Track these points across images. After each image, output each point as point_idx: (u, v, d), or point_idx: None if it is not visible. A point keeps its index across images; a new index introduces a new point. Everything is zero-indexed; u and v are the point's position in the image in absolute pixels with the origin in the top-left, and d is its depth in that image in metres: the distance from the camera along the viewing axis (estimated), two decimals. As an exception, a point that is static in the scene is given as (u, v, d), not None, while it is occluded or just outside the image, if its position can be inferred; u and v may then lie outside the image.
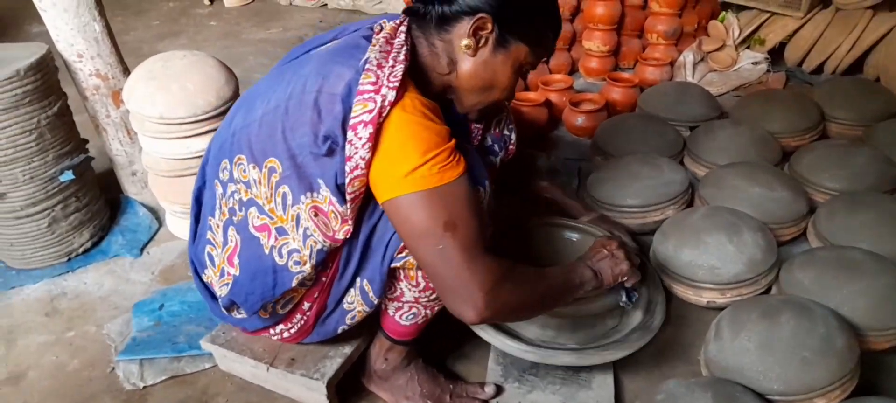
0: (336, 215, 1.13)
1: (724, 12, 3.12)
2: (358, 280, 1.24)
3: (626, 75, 2.64)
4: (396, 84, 1.06)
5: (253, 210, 1.22)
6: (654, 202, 1.83)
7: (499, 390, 1.43)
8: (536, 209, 1.78)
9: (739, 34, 2.99)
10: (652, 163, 1.91)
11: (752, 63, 2.93)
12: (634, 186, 1.85)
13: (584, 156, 2.31)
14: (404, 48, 1.13)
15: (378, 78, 1.07)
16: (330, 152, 1.09)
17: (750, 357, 1.31)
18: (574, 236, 1.59)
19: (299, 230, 1.18)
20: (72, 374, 1.55)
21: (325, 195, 1.12)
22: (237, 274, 1.26)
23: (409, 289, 1.26)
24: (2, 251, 1.91)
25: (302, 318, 1.31)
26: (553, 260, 1.57)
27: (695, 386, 1.24)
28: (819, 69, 2.86)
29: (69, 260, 1.93)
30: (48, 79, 1.79)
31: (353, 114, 1.06)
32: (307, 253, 1.19)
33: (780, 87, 2.81)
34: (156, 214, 2.11)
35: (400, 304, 1.30)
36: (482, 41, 1.17)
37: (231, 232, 1.26)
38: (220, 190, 1.27)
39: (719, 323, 1.43)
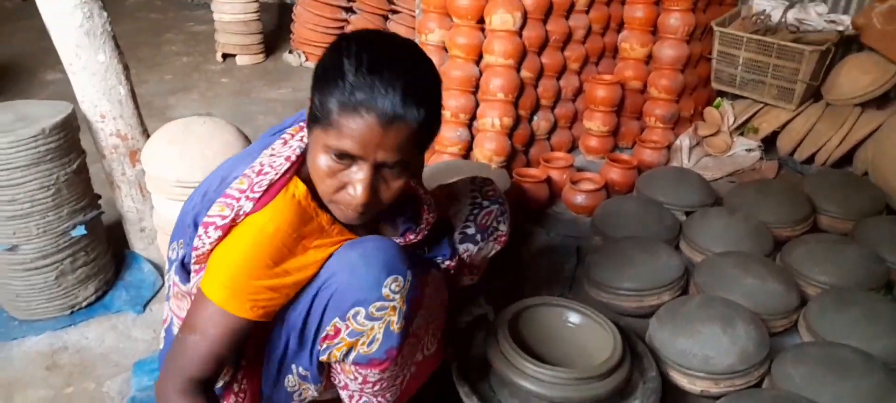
0: (183, 296, 1.20)
1: (719, 99, 3.24)
2: (293, 367, 1.24)
3: (625, 156, 2.72)
4: (258, 194, 1.09)
5: (171, 291, 1.29)
6: (650, 286, 1.88)
7: None
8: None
9: (734, 121, 3.10)
10: (649, 248, 1.96)
11: (747, 150, 3.03)
12: (631, 271, 1.90)
13: (582, 235, 2.36)
14: (290, 150, 1.14)
15: (250, 186, 1.10)
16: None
17: (743, 452, 1.34)
18: (576, 320, 1.62)
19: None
20: (70, 432, 1.56)
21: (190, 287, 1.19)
22: (162, 347, 1.35)
23: (352, 381, 1.24)
24: (6, 301, 1.93)
25: (237, 399, 1.31)
26: (555, 347, 1.60)
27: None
28: (810, 159, 2.96)
29: (72, 313, 1.95)
30: (70, 137, 1.85)
31: (209, 213, 1.11)
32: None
33: (772, 175, 2.90)
34: (160, 271, 2.14)
35: (350, 393, 1.28)
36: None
37: (165, 306, 1.35)
38: (167, 266, 1.33)
39: (714, 414, 1.46)
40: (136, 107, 2.01)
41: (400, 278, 1.14)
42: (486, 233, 1.52)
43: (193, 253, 1.14)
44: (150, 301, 2.02)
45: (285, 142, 1.17)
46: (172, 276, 1.28)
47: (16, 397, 1.66)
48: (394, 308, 1.13)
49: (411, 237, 1.33)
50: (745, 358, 1.60)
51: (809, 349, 1.63)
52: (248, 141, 1.94)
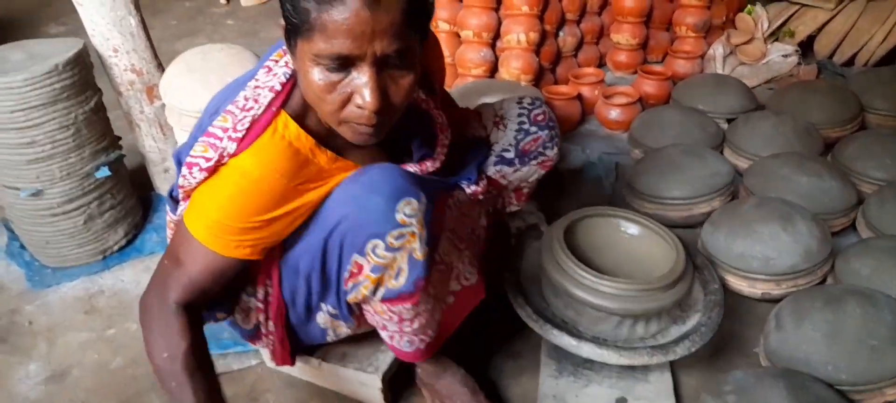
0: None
1: (751, 5, 3.08)
2: (322, 305, 1.19)
3: (658, 68, 2.61)
4: (241, 134, 0.99)
5: None
6: (700, 194, 1.80)
7: None
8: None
9: (768, 26, 2.96)
10: (696, 154, 1.88)
11: (783, 56, 2.89)
12: (679, 178, 1.81)
13: (619, 150, 2.28)
14: (274, 81, 1.03)
15: (233, 125, 1.00)
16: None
17: (816, 346, 1.28)
18: (633, 230, 1.54)
19: None
20: (116, 372, 1.53)
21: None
22: None
23: (388, 322, 1.17)
24: (37, 249, 1.89)
25: (267, 341, 1.28)
26: (610, 257, 1.53)
27: (764, 376, 1.21)
28: (850, 61, 2.83)
29: (104, 258, 1.90)
30: (85, 74, 1.77)
31: (192, 151, 1.01)
32: None
33: (812, 79, 2.78)
34: (189, 211, 2.08)
35: (389, 333, 1.21)
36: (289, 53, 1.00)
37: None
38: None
39: (780, 313, 1.40)
40: (149, 39, 1.92)
41: (413, 201, 1.03)
42: (527, 158, 1.41)
43: (179, 191, 1.07)
44: (181, 241, 1.96)
45: (269, 70, 1.05)
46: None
47: (58, 341, 1.63)
48: (413, 234, 1.04)
49: (429, 165, 1.21)
50: (809, 257, 1.53)
51: (874, 243, 1.55)
52: (270, 67, 1.85)
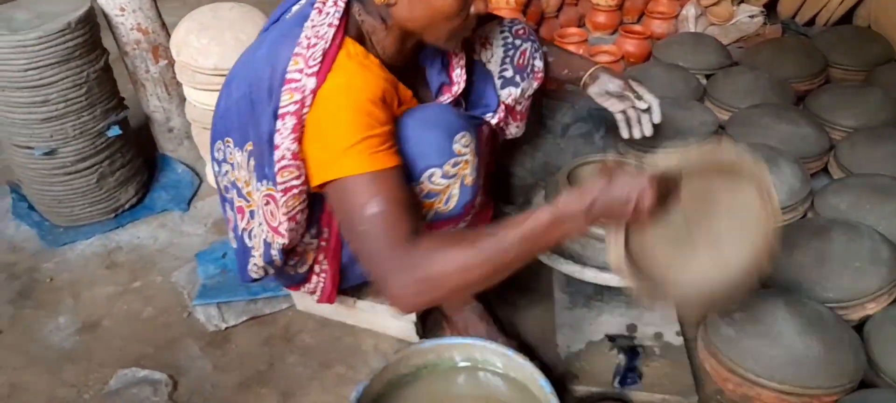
0: (279, 206, 1.18)
1: (719, -32, 3.23)
2: None
3: (639, 27, 2.73)
4: (317, 67, 1.06)
5: (234, 192, 1.29)
6: (689, 141, 1.93)
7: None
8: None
9: (736, -12, 3.11)
10: (682, 105, 2.01)
11: (749, 16, 3.05)
12: (669, 127, 1.94)
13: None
14: (330, 18, 1.11)
15: (306, 63, 1.07)
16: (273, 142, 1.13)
17: (806, 271, 1.43)
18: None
19: (258, 215, 1.25)
20: (148, 321, 1.58)
21: (273, 185, 1.16)
22: (235, 246, 1.36)
23: None
24: (47, 209, 1.90)
25: (318, 281, 1.36)
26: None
27: (764, 295, 1.35)
28: (811, 21, 3.01)
29: (116, 216, 1.93)
30: (95, 32, 1.78)
31: (281, 104, 1.09)
32: (260, 240, 1.26)
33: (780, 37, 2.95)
34: (194, 170, 2.11)
35: None
36: None
37: (227, 208, 1.35)
38: (216, 167, 1.32)
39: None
40: (155, -1, 1.93)
41: (466, 134, 1.16)
42: (524, 73, 1.46)
43: (275, 152, 1.11)
44: (191, 198, 2.00)
45: (320, 11, 1.13)
46: (231, 175, 1.26)
47: (83, 294, 1.66)
48: (466, 162, 1.16)
49: (448, 93, 1.31)
50: (792, 195, 1.68)
51: (848, 181, 1.71)
52: (278, 25, 1.88)
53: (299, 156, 1.11)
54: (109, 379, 1.41)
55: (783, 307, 1.30)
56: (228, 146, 1.24)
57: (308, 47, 1.08)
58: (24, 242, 1.85)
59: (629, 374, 1.36)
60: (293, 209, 1.17)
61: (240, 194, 1.27)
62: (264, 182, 1.17)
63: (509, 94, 1.46)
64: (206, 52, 1.75)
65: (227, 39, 1.76)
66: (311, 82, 1.06)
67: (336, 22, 1.11)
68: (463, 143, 1.15)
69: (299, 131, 1.08)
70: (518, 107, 1.52)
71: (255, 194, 1.22)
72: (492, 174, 1.50)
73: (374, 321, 1.48)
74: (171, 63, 1.94)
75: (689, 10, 2.98)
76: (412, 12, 1.11)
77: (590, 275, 1.47)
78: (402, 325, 1.45)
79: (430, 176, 1.14)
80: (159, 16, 1.97)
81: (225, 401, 1.35)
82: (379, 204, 1.01)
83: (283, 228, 1.19)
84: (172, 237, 1.85)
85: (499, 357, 1.08)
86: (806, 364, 1.22)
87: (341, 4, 1.12)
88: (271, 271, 1.31)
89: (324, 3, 1.14)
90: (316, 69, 1.06)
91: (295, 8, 1.21)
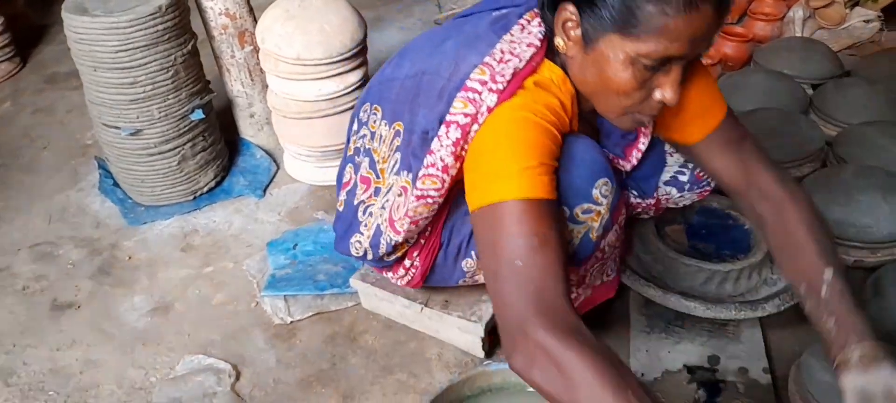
0: (407, 203, 1.11)
1: (832, -33, 2.98)
2: (473, 252, 1.21)
3: (739, 29, 2.55)
4: (502, 85, 0.95)
5: (366, 160, 1.23)
6: (791, 158, 1.77)
7: None
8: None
9: (850, -10, 2.86)
10: (787, 118, 1.85)
11: (864, 21, 2.79)
12: (770, 143, 1.79)
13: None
14: (532, 38, 1.00)
15: (491, 77, 0.96)
16: (427, 142, 1.05)
17: (924, 318, 1.28)
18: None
19: (383, 198, 1.18)
20: (218, 307, 1.59)
21: (411, 180, 1.09)
22: (341, 209, 1.31)
23: None
24: (131, 187, 1.95)
25: (406, 274, 1.31)
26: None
27: (873, 343, 1.21)
28: (937, 29, 2.73)
29: (195, 198, 1.96)
30: (184, 16, 1.81)
31: (451, 110, 0.99)
32: (374, 222, 1.20)
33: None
34: (271, 156, 2.13)
35: None
36: (570, 37, 0.96)
37: (349, 168, 1.29)
38: (355, 126, 1.27)
39: (879, 281, 1.39)
40: (243, -16, 1.94)
41: (609, 182, 1.05)
42: (696, 185, 1.35)
43: (427, 157, 1.04)
44: (267, 185, 2.02)
45: (523, 28, 1.02)
46: (368, 142, 1.22)
47: (158, 275, 1.70)
48: (599, 213, 1.06)
49: (621, 161, 1.22)
50: (910, 227, 1.51)
51: (977, 217, 1.52)
52: (361, 17, 1.86)
53: (448, 170, 1.04)
54: (177, 364, 1.43)
55: (891, 356, 1.16)
56: (376, 114, 1.19)
57: (500, 62, 0.97)
58: (108, 218, 1.92)
59: (709, 411, 1.26)
60: (419, 216, 1.13)
61: (372, 165, 1.21)
62: (405, 173, 1.11)
63: (667, 193, 1.36)
64: (289, 40, 1.75)
65: (312, 30, 1.75)
66: (491, 99, 0.96)
67: (538, 43, 1.00)
68: (603, 192, 1.04)
69: (460, 147, 1.00)
70: (664, 204, 1.41)
71: (390, 177, 1.16)
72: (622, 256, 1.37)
73: (440, 329, 1.44)
74: (256, 49, 1.95)
75: (797, 12, 2.76)
76: (584, 74, 0.98)
77: (673, 302, 1.37)
78: (468, 338, 1.39)
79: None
80: (248, 1, 1.98)
81: (286, 397, 1.35)
82: (548, 238, 0.89)
83: (401, 226, 1.15)
84: (246, 223, 1.87)
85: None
86: (919, 426, 1.08)
87: (542, 28, 1.01)
88: (370, 255, 1.27)
89: (529, 21, 1.03)
90: (501, 87, 0.96)
91: (502, 12, 1.07)
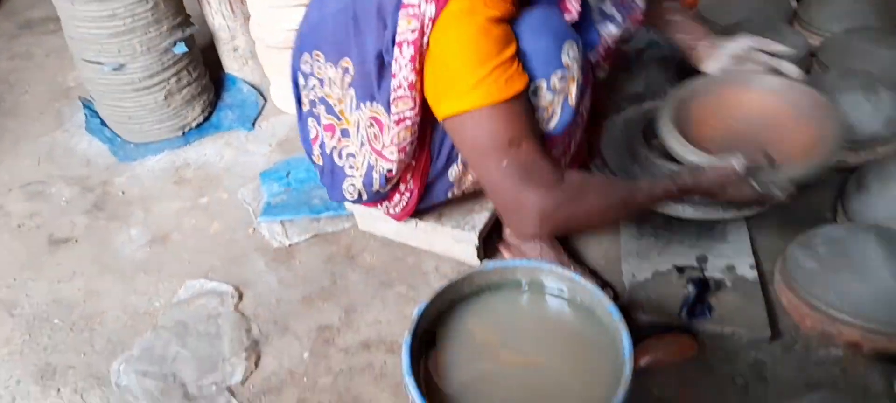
0: (389, 130, 1.13)
1: None
2: (459, 156, 1.23)
3: (722, -55, 2.53)
4: None
5: (323, 108, 1.24)
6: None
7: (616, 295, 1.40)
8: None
9: None
10: (770, 27, 1.85)
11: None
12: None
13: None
14: None
15: None
16: (385, 65, 1.06)
17: (902, 206, 1.32)
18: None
19: (358, 136, 1.19)
20: (216, 236, 1.61)
21: (381, 109, 1.11)
22: (321, 163, 1.32)
23: None
24: (118, 125, 1.94)
25: (401, 199, 1.33)
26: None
27: (853, 229, 1.26)
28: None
29: (184, 133, 1.96)
30: (161, -54, 1.77)
31: (398, 30, 1.00)
32: (362, 161, 1.21)
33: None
34: (259, 91, 2.11)
35: None
36: None
37: (311, 122, 1.30)
38: (302, 81, 1.27)
39: (862, 177, 1.43)
40: (221, -89, 1.90)
41: (574, 43, 1.08)
42: (623, 10, 1.35)
43: (392, 81, 1.06)
44: (256, 118, 2.01)
45: None
46: (319, 91, 1.23)
47: (153, 209, 1.71)
48: (572, 78, 1.08)
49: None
50: (890, 125, 1.55)
51: (957, 113, 1.56)
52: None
53: (415, 86, 1.05)
54: (179, 290, 1.45)
55: (873, 240, 1.21)
56: (318, 60, 1.20)
57: None
58: (97, 157, 1.91)
59: (698, 306, 1.30)
60: (404, 140, 1.14)
61: (329, 111, 1.23)
62: (369, 103, 1.13)
63: (609, 33, 1.33)
64: (270, -33, 1.72)
65: (292, -45, 1.72)
66: (430, 10, 0.97)
67: None
68: (570, 56, 1.07)
69: (418, 61, 1.02)
70: (612, 46, 1.39)
71: (352, 114, 1.18)
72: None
73: (436, 242, 1.46)
74: (236, -20, 1.92)
75: (780, -73, 2.74)
76: None
77: (662, 205, 1.40)
78: (463, 248, 1.42)
79: (536, 91, 1.06)
80: (225, -70, 1.94)
81: (289, 314, 1.38)
82: (520, 137, 0.99)
83: (390, 154, 1.16)
84: (238, 155, 1.87)
85: (565, 282, 1.04)
86: (897, 302, 1.14)
87: None
88: (365, 196, 1.29)
89: None
90: None
91: None
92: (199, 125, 1.99)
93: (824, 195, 1.57)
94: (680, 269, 1.40)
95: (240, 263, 1.51)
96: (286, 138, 1.92)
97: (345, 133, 1.23)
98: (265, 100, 2.08)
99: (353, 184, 1.27)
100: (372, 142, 1.18)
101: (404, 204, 1.33)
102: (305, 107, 1.30)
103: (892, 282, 1.14)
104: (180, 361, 1.28)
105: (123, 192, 1.77)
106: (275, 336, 1.33)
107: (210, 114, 2.03)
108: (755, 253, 1.44)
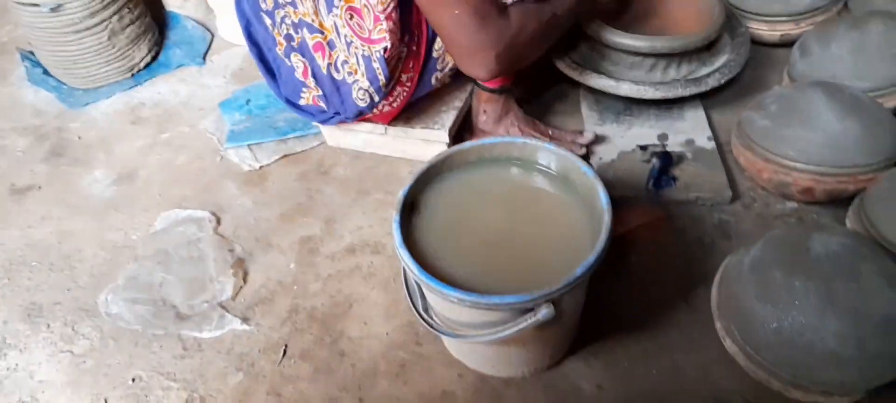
0: (368, 10, 1.13)
1: None
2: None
3: None
4: None
5: (303, 30, 1.23)
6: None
7: (597, 138, 1.50)
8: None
9: None
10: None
11: None
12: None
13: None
14: None
15: None
16: None
17: (842, 63, 1.40)
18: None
19: (342, 39, 1.19)
20: (184, 166, 1.59)
21: None
22: (320, 94, 1.32)
23: None
24: (63, 71, 1.87)
25: (402, 90, 1.35)
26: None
27: (801, 87, 1.33)
28: None
29: (133, 75, 1.90)
30: None
31: None
32: (354, 61, 1.22)
33: None
34: (205, 26, 2.06)
35: None
36: None
37: (295, 57, 1.29)
38: (268, 20, 1.27)
39: (804, 42, 1.51)
40: None
41: None
42: None
43: None
44: (206, 53, 1.97)
45: None
46: (293, 16, 1.23)
47: (115, 149, 1.67)
48: None
49: None
50: (826, -9, 1.63)
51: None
52: None
53: None
54: (155, 221, 1.44)
55: (820, 93, 1.29)
56: None
57: None
58: (47, 105, 1.84)
59: (663, 177, 1.37)
60: (387, 6, 1.14)
61: (312, 30, 1.23)
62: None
63: None
64: None
65: None
66: None
67: None
68: None
69: None
70: None
71: (328, 18, 1.18)
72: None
73: (406, 147, 1.49)
74: None
75: None
76: None
77: (625, 89, 1.46)
78: (434, 148, 1.45)
79: None
80: None
81: (270, 231, 1.39)
82: None
83: (379, 33, 1.17)
84: (194, 90, 1.83)
85: (539, 152, 1.07)
86: (843, 145, 1.22)
87: None
88: (376, 96, 1.29)
89: None
90: None
91: None
92: (147, 65, 1.93)
93: (773, 71, 1.66)
94: (643, 147, 1.46)
95: (212, 190, 1.50)
96: (240, 69, 1.89)
97: (331, 45, 1.23)
98: (213, 35, 2.03)
99: (361, 88, 1.27)
100: (358, 33, 1.18)
101: (405, 95, 1.35)
102: (281, 47, 1.29)
103: (839, 127, 1.23)
104: (167, 286, 1.29)
105: (80, 137, 1.73)
106: (258, 252, 1.35)
107: (157, 53, 1.97)
108: (712, 127, 1.51)
